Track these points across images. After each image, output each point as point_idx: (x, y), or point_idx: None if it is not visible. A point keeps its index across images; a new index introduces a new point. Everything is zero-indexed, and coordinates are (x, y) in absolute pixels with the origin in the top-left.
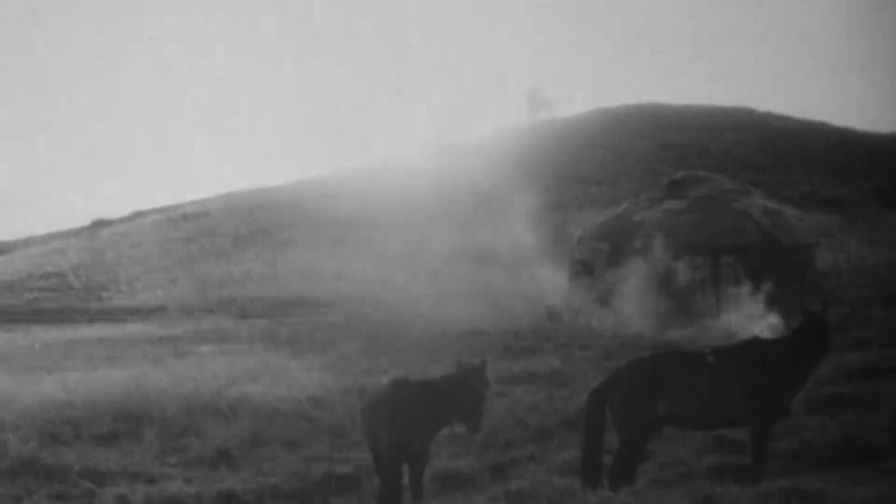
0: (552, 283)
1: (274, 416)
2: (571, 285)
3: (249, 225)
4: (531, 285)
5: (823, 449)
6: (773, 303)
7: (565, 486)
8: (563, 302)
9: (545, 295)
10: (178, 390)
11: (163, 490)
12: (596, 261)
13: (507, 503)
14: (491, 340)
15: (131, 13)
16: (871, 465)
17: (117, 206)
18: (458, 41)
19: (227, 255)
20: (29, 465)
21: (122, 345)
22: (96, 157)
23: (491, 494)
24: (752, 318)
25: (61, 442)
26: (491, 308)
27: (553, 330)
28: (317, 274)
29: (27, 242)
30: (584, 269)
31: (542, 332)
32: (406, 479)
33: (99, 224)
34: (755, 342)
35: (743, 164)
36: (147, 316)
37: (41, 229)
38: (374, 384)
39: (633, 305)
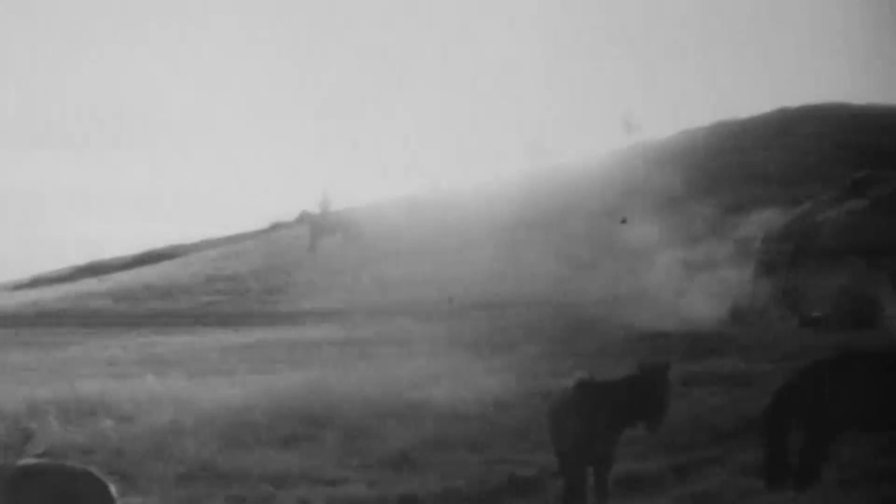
0: (735, 283)
1: (457, 419)
2: (755, 286)
3: (430, 227)
4: (714, 286)
5: None
6: None
7: (749, 487)
8: (747, 303)
9: (728, 296)
10: (359, 393)
11: (344, 493)
12: (779, 261)
13: None
14: (673, 342)
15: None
16: None
17: (293, 208)
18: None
19: (407, 257)
20: (208, 469)
21: (302, 348)
22: (271, 159)
23: (674, 496)
24: None
25: (241, 445)
26: (673, 309)
27: (736, 331)
28: (498, 276)
29: (203, 245)
30: (767, 270)
31: (725, 334)
32: (590, 481)
33: (277, 226)
34: None
35: None
36: (327, 318)
37: (218, 232)
38: (557, 386)
39: (816, 306)
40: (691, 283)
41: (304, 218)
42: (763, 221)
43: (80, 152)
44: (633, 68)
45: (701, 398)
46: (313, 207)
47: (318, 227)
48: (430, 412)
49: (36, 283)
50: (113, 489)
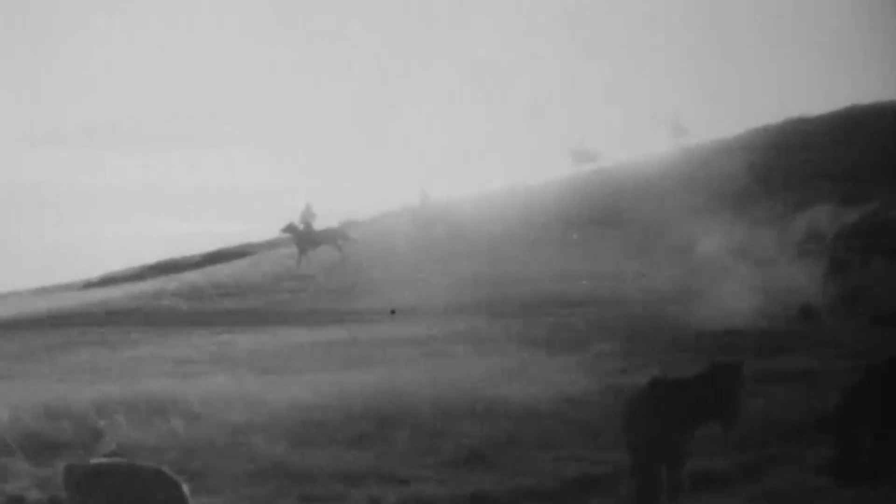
0: (806, 281)
1: (529, 417)
2: (826, 283)
3: (501, 225)
4: (785, 283)
5: None
6: None
7: (821, 485)
8: (818, 300)
9: (799, 293)
10: (431, 391)
11: (416, 491)
12: (850, 259)
13: (764, 503)
14: (745, 339)
15: None
16: None
17: (366, 206)
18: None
19: (479, 255)
20: (279, 468)
21: (373, 346)
22: (343, 156)
23: (746, 494)
24: None
25: (312, 444)
26: (745, 307)
27: (807, 328)
28: (570, 273)
29: (274, 244)
30: (838, 267)
31: (796, 331)
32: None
33: (348, 225)
34: None
35: None
36: (398, 317)
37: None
38: (630, 384)
39: (887, 303)
40: (762, 280)
41: (289, 229)
42: (833, 219)
43: (153, 152)
44: (699, 66)
45: (772, 395)
46: (299, 221)
47: (303, 241)
48: (503, 410)
49: (106, 281)
50: (185, 488)
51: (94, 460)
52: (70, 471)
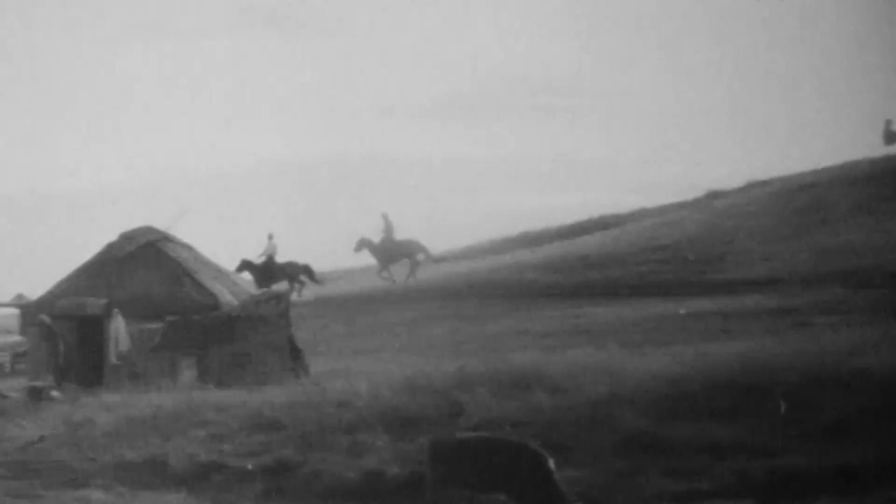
0: None
1: (893, 388)
2: None
3: (866, 194)
4: None
5: None
6: None
7: None
8: None
9: None
10: (797, 362)
11: (783, 464)
12: None
13: None
14: None
15: None
16: None
17: (731, 176)
18: None
19: (845, 224)
20: (643, 440)
21: (738, 317)
22: (707, 126)
23: None
24: None
25: (677, 416)
26: None
27: None
28: None
29: (639, 215)
30: None
31: None
32: None
33: (713, 195)
34: None
35: None
36: (763, 288)
37: (653, 201)
38: None
39: None
40: None
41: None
42: None
43: (515, 122)
44: None
45: None
46: (258, 256)
47: (259, 274)
48: (867, 381)
49: (467, 255)
50: (551, 462)
51: (459, 434)
52: (435, 445)
